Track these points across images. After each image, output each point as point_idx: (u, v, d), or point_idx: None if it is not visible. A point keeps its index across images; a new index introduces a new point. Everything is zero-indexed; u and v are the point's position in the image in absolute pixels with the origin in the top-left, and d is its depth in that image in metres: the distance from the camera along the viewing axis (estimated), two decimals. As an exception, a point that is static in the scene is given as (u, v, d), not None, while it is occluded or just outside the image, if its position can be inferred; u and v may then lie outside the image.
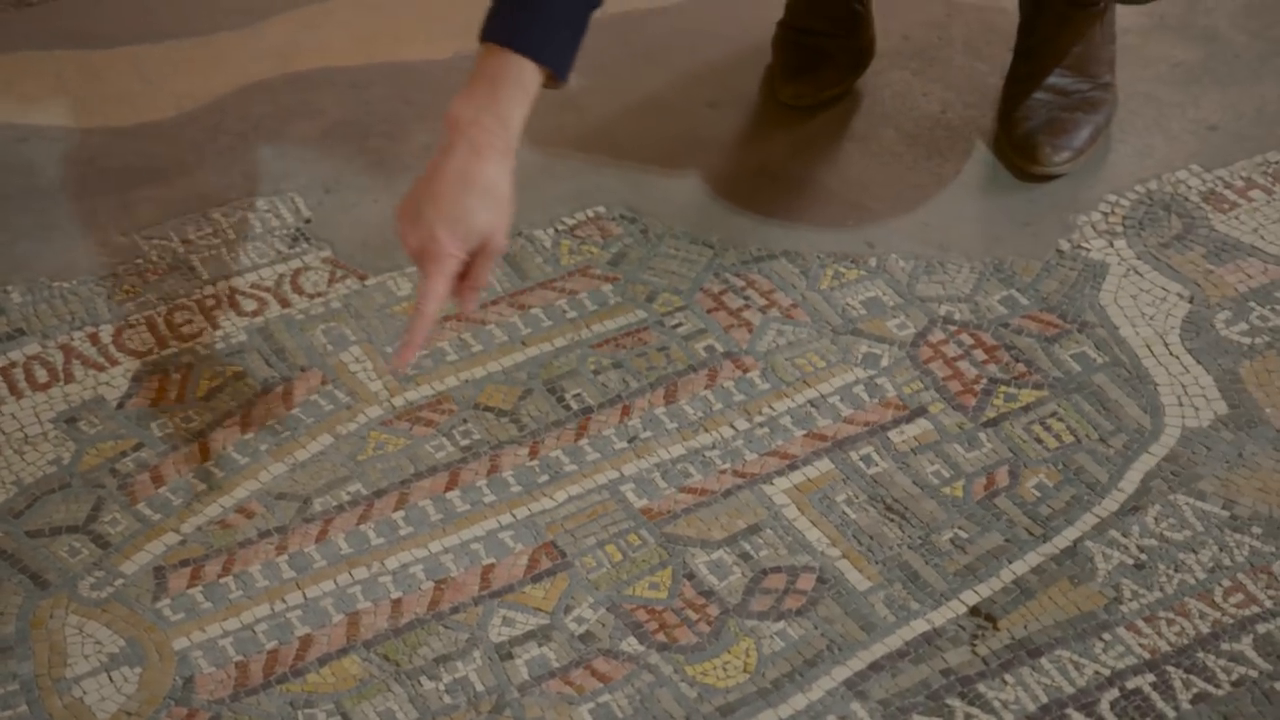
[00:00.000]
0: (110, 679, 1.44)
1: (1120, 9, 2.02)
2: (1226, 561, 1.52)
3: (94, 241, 1.84)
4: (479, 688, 1.44)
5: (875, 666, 1.46)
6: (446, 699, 1.43)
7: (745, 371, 1.70)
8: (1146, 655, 1.45)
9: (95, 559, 1.54)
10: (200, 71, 2.06)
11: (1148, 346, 1.72)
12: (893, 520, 1.57)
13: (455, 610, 1.50)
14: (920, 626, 1.48)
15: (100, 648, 1.47)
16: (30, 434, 1.64)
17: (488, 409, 1.67)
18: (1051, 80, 1.94)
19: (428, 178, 1.47)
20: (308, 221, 1.87)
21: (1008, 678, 1.44)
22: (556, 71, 1.47)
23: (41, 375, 1.70)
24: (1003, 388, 1.68)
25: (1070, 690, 1.43)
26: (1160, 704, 1.42)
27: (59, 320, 1.75)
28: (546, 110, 2.00)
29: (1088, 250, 1.83)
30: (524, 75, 1.44)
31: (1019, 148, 1.91)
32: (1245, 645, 1.46)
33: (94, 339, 1.73)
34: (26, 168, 1.93)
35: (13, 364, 1.71)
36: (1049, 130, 1.90)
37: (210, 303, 1.78)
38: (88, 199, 1.89)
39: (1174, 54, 2.09)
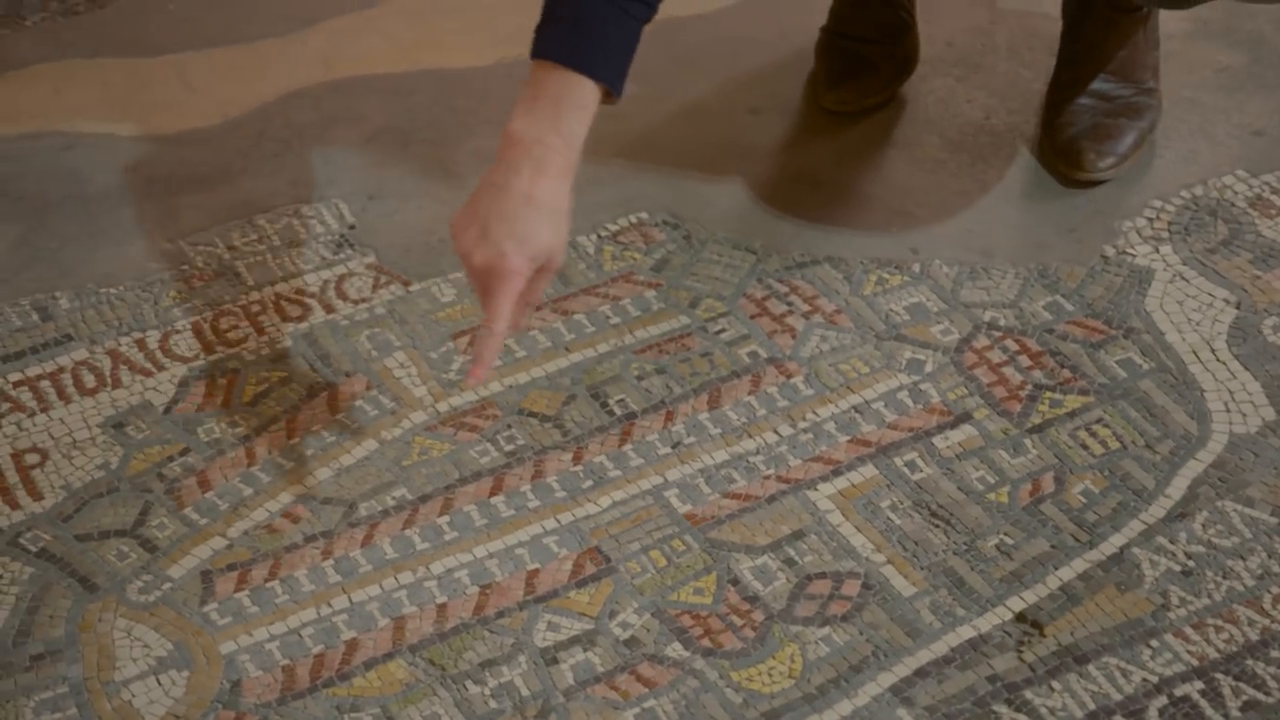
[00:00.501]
0: (158, 682, 1.45)
1: (1164, 14, 2.01)
2: (1276, 568, 1.51)
3: (140, 248, 1.86)
4: (524, 692, 1.44)
5: (921, 673, 1.45)
6: (492, 704, 1.44)
7: (789, 377, 1.70)
8: (1195, 662, 1.44)
9: (143, 563, 1.54)
10: (244, 79, 2.07)
11: (1194, 352, 1.71)
12: (938, 526, 1.56)
13: (500, 615, 1.50)
14: (966, 633, 1.48)
15: (148, 651, 1.47)
16: (78, 439, 1.65)
17: (532, 414, 1.67)
18: (1096, 86, 1.93)
19: (491, 195, 1.46)
20: (352, 228, 1.88)
21: (1055, 685, 1.44)
22: (614, 89, 1.48)
23: (89, 380, 1.71)
24: (1048, 394, 1.68)
25: (1118, 697, 1.42)
26: (1209, 711, 1.41)
27: (106, 326, 1.77)
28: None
29: (1133, 256, 1.82)
30: (585, 94, 1.45)
31: (1063, 153, 1.91)
32: (1295, 653, 1.45)
33: (141, 344, 1.74)
34: (73, 175, 1.95)
35: (61, 369, 1.72)
36: (1093, 136, 1.90)
37: (256, 308, 1.79)
38: (133, 206, 1.91)
39: (1218, 59, 2.08)
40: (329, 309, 1.79)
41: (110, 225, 1.88)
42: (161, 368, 1.72)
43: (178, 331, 1.76)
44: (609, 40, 1.45)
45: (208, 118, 2.02)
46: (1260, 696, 1.42)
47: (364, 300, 1.80)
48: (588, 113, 1.46)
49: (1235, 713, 1.41)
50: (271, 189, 1.93)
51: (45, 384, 1.71)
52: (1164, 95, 1.98)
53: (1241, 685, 1.43)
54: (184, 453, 1.64)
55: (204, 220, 1.89)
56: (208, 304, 1.79)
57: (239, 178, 1.94)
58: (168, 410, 1.68)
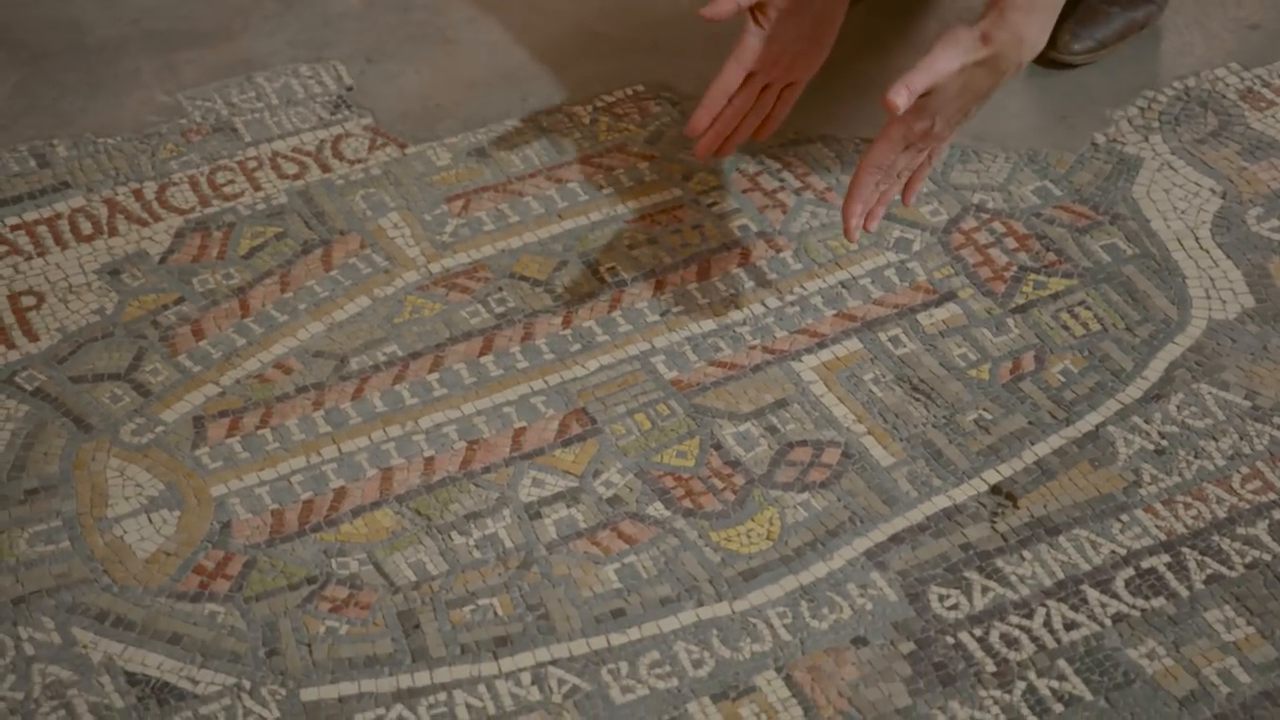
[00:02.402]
0: (150, 520, 1.48)
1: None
2: (1246, 450, 1.55)
3: (138, 100, 1.86)
4: (508, 544, 1.48)
5: (896, 539, 1.48)
6: (476, 554, 1.47)
7: (778, 251, 1.72)
8: (1163, 537, 1.48)
9: (136, 406, 1.57)
10: (245, -62, 2.07)
11: (1178, 240, 1.74)
12: (918, 400, 1.59)
13: (486, 470, 1.53)
14: (941, 502, 1.51)
15: (140, 490, 1.50)
16: (75, 284, 1.67)
17: (523, 278, 1.69)
18: None
19: None
20: (350, 89, 1.89)
21: (1026, 554, 1.47)
22: None
23: (86, 227, 1.73)
24: (1032, 275, 1.70)
25: (1086, 568, 1.46)
26: (1174, 583, 1.45)
27: (103, 175, 1.78)
28: (588, -11, 2.02)
29: (1123, 144, 1.84)
30: None
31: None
32: (1260, 530, 1.48)
33: (138, 195, 1.76)
34: (73, 25, 1.95)
35: (58, 215, 1.74)
36: (1077, 17, 1.88)
37: (252, 164, 1.80)
38: (132, 59, 1.91)
39: (1219, -46, 2.08)
40: (325, 168, 1.80)
41: (109, 77, 1.89)
42: (158, 218, 1.74)
43: (174, 184, 1.77)
44: None
45: (208, -26, 2.03)
46: (1224, 570, 1.45)
47: (360, 161, 1.81)
48: None
49: (1199, 585, 1.44)
50: (270, 48, 1.94)
51: (42, 229, 1.72)
52: (1162, -12, 1.98)
53: (1206, 559, 1.46)
54: (178, 302, 1.66)
55: (203, 76, 1.90)
56: (205, 158, 1.80)
57: (239, 36, 1.95)
58: (163, 260, 1.70)
